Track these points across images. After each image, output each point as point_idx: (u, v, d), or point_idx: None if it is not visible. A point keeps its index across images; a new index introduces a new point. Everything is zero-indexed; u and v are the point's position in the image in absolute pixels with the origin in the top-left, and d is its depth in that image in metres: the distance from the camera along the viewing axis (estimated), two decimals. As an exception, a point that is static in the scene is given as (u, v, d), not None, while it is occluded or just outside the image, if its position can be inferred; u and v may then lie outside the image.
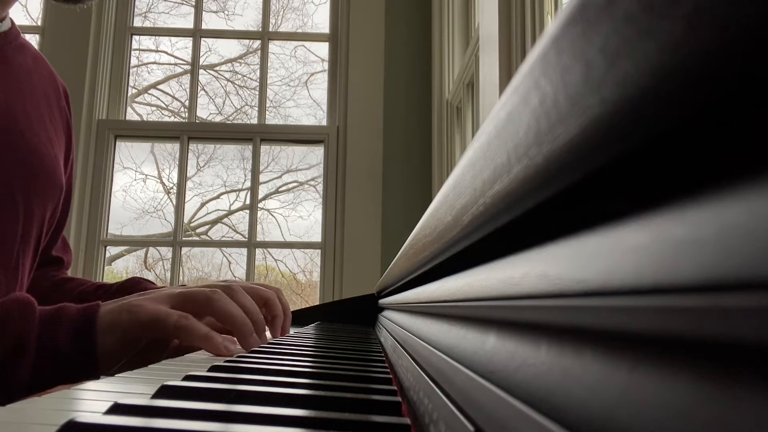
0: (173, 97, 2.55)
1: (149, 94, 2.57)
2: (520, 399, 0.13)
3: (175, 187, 2.29)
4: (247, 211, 2.30)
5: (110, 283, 0.77)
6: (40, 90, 0.75)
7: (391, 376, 0.40)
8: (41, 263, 0.78)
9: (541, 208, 0.13)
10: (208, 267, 2.56)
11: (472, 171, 0.18)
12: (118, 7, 2.32)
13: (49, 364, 0.49)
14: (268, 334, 0.78)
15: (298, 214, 2.41)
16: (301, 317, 1.23)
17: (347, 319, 1.24)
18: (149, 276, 2.51)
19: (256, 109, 2.38)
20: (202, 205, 2.48)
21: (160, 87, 2.56)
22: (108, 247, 2.24)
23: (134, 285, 0.75)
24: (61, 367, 0.50)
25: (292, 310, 1.26)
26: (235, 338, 0.56)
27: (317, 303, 2.05)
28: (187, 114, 2.40)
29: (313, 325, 1.14)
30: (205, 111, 2.50)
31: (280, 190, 2.44)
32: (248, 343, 0.55)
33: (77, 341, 0.51)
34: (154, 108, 2.56)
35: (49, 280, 0.79)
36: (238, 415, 0.24)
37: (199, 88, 2.40)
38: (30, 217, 0.69)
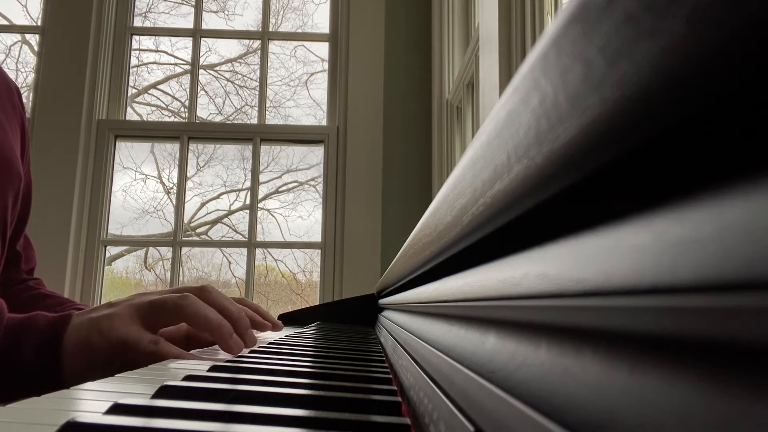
0: (173, 97, 2.55)
1: (149, 94, 2.56)
2: (520, 399, 0.13)
3: (175, 187, 2.29)
4: (247, 211, 2.30)
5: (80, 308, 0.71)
6: None
7: (391, 376, 0.40)
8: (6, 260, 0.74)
9: (541, 208, 0.13)
10: (208, 267, 2.56)
11: (472, 171, 0.18)
12: (118, 7, 2.32)
13: (11, 376, 0.48)
14: (260, 334, 0.76)
15: (298, 214, 2.41)
16: (301, 317, 1.23)
17: (347, 319, 1.24)
18: (149, 276, 2.51)
19: (256, 109, 2.38)
20: (202, 205, 2.48)
21: (160, 87, 2.56)
22: (108, 247, 2.24)
23: None
24: (23, 379, 0.48)
25: (291, 310, 1.26)
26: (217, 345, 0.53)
27: (317, 303, 2.05)
28: (187, 114, 2.40)
29: (313, 325, 1.14)
30: (205, 111, 2.50)
31: (280, 190, 2.44)
32: (229, 345, 0.51)
33: (41, 355, 0.49)
34: (154, 108, 2.56)
35: (27, 293, 0.76)
36: (238, 415, 0.24)
37: (199, 88, 2.40)
38: None
